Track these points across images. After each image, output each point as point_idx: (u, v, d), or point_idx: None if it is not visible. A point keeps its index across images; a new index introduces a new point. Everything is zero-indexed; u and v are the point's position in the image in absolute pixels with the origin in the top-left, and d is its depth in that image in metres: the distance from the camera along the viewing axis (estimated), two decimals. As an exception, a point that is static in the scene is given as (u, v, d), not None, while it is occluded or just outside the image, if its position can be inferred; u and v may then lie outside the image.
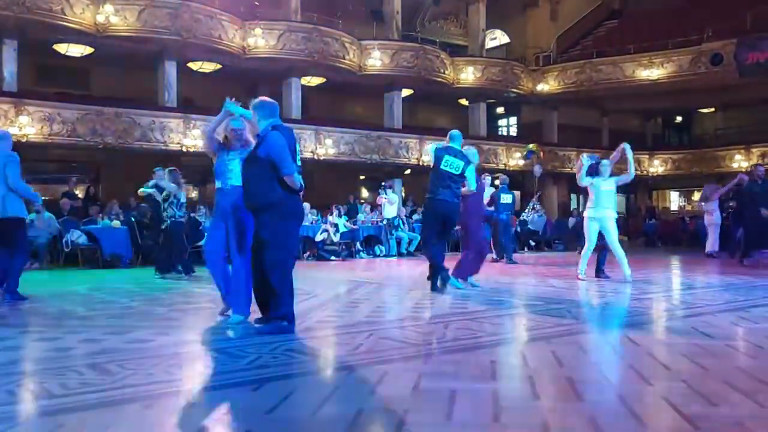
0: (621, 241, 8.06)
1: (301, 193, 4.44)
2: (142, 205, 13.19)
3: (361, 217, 15.11)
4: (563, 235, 17.87)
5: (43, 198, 13.42)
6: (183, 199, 8.67)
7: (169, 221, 8.73)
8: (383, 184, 15.51)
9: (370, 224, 14.91)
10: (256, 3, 19.26)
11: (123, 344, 3.97)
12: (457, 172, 6.71)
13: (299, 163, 4.43)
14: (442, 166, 6.68)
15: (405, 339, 4.14)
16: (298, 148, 4.46)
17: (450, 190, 6.70)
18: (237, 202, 4.75)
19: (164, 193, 8.74)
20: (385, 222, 14.63)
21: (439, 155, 6.72)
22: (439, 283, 6.69)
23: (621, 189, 8.19)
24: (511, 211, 12.07)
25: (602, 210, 7.79)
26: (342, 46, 18.15)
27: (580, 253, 8.27)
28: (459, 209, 6.87)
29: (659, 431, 2.44)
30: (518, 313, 5.54)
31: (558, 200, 23.44)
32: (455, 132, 7.01)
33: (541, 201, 18.97)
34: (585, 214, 8.07)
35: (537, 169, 16.65)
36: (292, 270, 4.40)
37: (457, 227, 7.67)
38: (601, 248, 8.13)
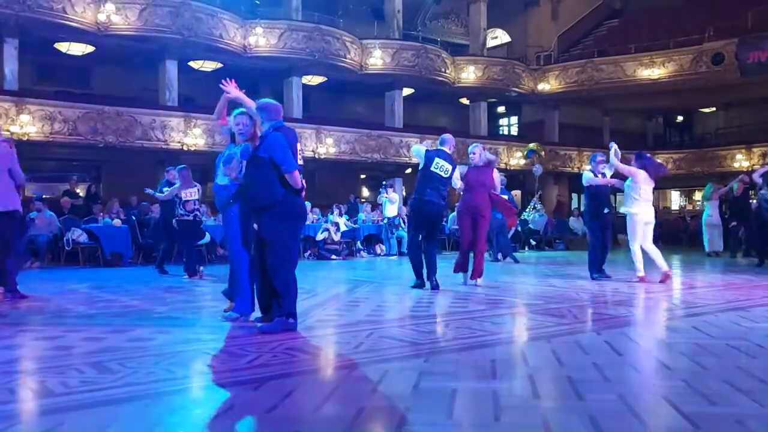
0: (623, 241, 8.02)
1: (303, 193, 4.44)
2: (143, 203, 13.22)
3: (361, 216, 15.11)
4: (564, 234, 17.85)
5: (44, 196, 13.46)
6: (186, 197, 8.67)
7: (173, 220, 8.80)
8: (384, 183, 15.50)
9: (370, 223, 14.91)
10: (257, 2, 19.26)
11: (124, 343, 3.98)
12: (446, 176, 6.84)
13: (301, 162, 4.43)
14: (432, 168, 6.78)
15: (405, 338, 4.14)
16: (299, 148, 4.46)
17: (437, 192, 6.80)
18: (218, 202, 4.93)
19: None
20: (385, 221, 14.62)
21: (430, 156, 6.85)
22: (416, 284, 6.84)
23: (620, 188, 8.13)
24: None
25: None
26: (343, 45, 18.13)
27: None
28: (445, 211, 6.96)
29: (659, 430, 2.44)
30: (518, 313, 5.54)
31: (557, 200, 23.40)
32: (445, 136, 7.18)
33: (542, 200, 18.94)
34: (632, 210, 7.66)
35: (537, 169, 16.64)
36: (295, 269, 4.40)
37: (455, 226, 7.73)
38: (602, 248, 8.14)
